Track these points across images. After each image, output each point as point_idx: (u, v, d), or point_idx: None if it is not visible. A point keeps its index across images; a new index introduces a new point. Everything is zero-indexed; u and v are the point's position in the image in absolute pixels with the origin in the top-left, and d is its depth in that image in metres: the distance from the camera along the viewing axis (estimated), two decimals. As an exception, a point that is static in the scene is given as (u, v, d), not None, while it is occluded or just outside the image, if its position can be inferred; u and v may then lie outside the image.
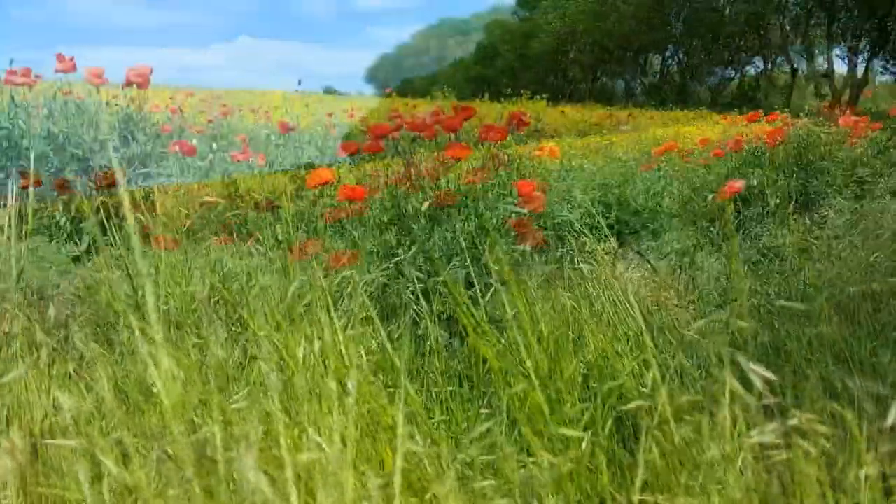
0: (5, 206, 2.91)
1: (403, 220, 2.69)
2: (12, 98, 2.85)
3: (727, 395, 0.53)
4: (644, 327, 1.33)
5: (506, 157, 3.24)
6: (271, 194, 3.43)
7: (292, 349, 0.69)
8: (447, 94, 12.89)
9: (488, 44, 48.25)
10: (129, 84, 3.10)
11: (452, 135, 2.63)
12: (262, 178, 3.37)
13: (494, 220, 2.62)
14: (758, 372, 0.50)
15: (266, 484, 0.47)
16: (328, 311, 0.78)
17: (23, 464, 0.64)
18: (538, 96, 10.29)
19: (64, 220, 2.71)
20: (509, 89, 12.12)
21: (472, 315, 0.59)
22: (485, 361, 1.55)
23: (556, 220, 3.47)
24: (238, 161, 3.38)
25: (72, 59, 3.02)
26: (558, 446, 0.56)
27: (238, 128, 7.10)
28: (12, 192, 1.16)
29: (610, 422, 0.60)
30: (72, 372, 0.91)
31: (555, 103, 16.76)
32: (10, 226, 1.13)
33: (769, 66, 41.55)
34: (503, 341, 0.66)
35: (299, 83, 8.56)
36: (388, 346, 0.75)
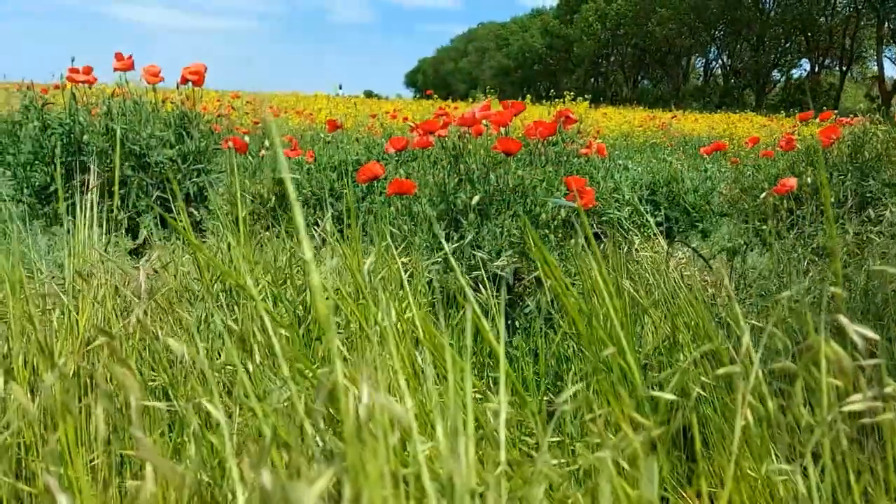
0: (70, 199, 3.00)
1: (452, 215, 2.70)
2: (73, 96, 2.93)
3: (823, 359, 0.52)
4: (707, 314, 1.31)
5: (552, 152, 3.23)
6: (320, 190, 3.47)
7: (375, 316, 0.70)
8: (490, 95, 12.88)
9: (529, 47, 48.22)
10: (184, 82, 3.16)
11: (503, 129, 2.62)
12: (311, 174, 3.41)
13: (544, 216, 2.61)
14: (861, 333, 0.49)
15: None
16: (402, 284, 0.79)
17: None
18: (580, 98, 10.22)
19: (122, 214, 2.78)
20: (552, 91, 12.06)
21: (563, 281, 0.59)
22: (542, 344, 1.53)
23: (603, 219, 3.45)
24: (288, 158, 3.43)
25: (130, 58, 3.10)
26: (646, 411, 0.55)
27: (284, 129, 7.21)
28: (89, 184, 1.19)
29: (696, 389, 0.59)
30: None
31: (596, 106, 16.66)
32: (84, 218, 1.16)
33: (816, 68, 40.53)
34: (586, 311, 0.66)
35: (340, 87, 8.58)
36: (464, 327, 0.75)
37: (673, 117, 13.73)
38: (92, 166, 2.31)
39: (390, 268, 1.33)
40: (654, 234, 2.96)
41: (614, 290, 0.81)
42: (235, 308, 1.11)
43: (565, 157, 3.29)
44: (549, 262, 0.57)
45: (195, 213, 3.26)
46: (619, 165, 4.48)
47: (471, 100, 13.77)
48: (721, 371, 0.54)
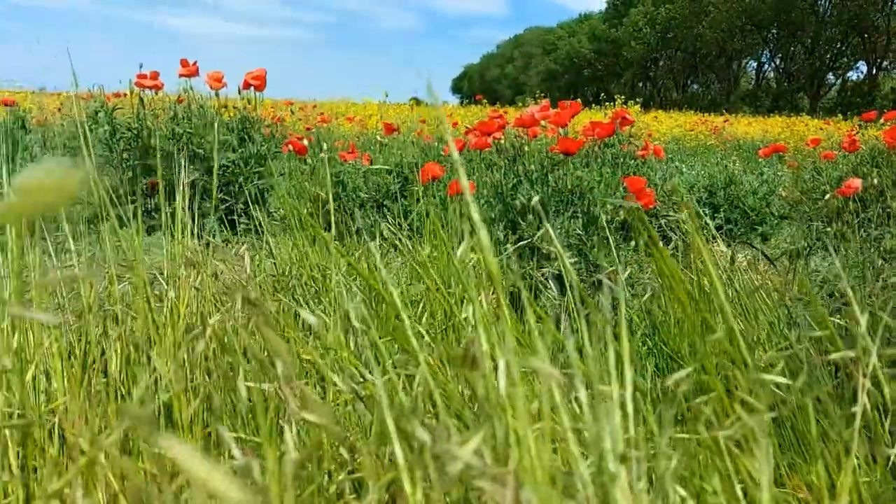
0: (133, 201, 3.09)
1: (510, 216, 2.71)
2: (141, 101, 3.03)
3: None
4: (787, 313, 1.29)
5: (609, 153, 3.21)
6: (377, 192, 3.51)
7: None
8: (539, 100, 12.85)
9: (576, 52, 47.92)
10: (246, 87, 3.24)
11: (562, 130, 2.62)
12: (368, 177, 3.45)
13: (603, 217, 2.60)
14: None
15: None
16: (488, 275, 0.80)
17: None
18: (631, 102, 10.12)
19: (186, 216, 2.85)
20: (602, 95, 11.97)
21: (675, 269, 0.59)
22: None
23: (661, 221, 3.41)
24: (345, 161, 3.48)
25: (195, 64, 3.19)
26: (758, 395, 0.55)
27: (336, 134, 7.30)
28: (155, 187, 1.24)
29: (803, 373, 0.59)
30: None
31: (646, 110, 16.46)
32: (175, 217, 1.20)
33: (874, 70, 39.32)
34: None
35: (386, 95, 8.66)
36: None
37: (725, 121, 13.48)
38: (183, 171, 2.38)
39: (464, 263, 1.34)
40: (714, 237, 2.92)
41: (696, 287, 0.81)
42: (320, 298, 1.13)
43: (621, 159, 3.27)
44: (663, 254, 0.57)
45: (256, 214, 3.33)
46: (675, 168, 4.43)
47: (521, 104, 13.77)
48: (836, 355, 0.54)
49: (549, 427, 0.34)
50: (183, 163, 1.66)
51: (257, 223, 3.30)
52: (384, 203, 3.61)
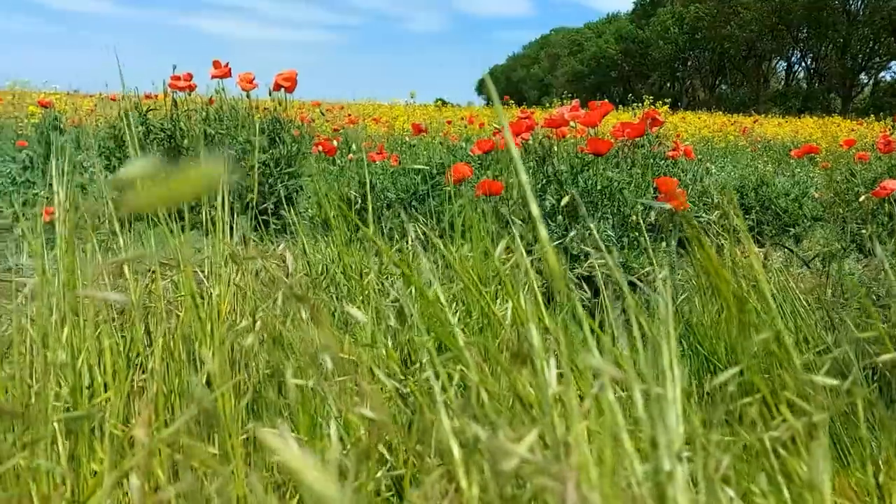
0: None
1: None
2: (174, 102, 3.07)
3: None
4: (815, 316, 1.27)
5: (639, 154, 3.19)
6: (405, 193, 3.52)
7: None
8: (565, 101, 12.79)
9: (603, 52, 47.60)
10: (277, 88, 3.27)
11: (592, 130, 2.61)
12: (395, 177, 3.46)
13: (634, 217, 2.58)
14: None
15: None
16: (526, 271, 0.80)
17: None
18: (659, 102, 10.03)
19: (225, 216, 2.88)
20: (630, 95, 11.89)
21: (719, 267, 0.59)
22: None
23: (691, 222, 3.37)
24: (373, 162, 3.49)
25: (227, 66, 3.22)
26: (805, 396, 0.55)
27: (363, 136, 7.34)
28: (224, 189, 1.25)
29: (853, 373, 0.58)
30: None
31: (674, 111, 16.30)
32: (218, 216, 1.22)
33: (909, 69, 38.38)
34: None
35: (412, 96, 8.69)
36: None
37: (755, 121, 13.32)
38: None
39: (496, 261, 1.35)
40: (746, 239, 2.89)
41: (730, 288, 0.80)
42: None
43: (651, 160, 3.25)
44: (709, 253, 0.57)
45: (287, 215, 3.36)
46: (706, 169, 4.39)
47: (548, 105, 13.72)
48: (885, 357, 0.53)
49: (609, 423, 0.34)
50: (255, 159, 1.65)
51: (287, 223, 3.33)
52: (412, 203, 3.62)
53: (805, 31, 41.33)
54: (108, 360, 0.65)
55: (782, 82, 45.98)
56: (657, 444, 0.33)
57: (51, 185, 2.91)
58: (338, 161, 3.52)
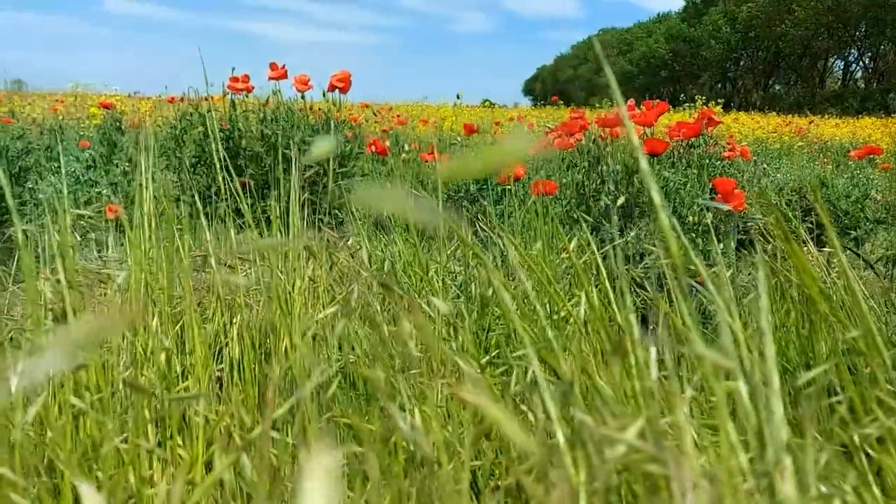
0: (223, 201, 3.21)
1: (592, 217, 2.68)
2: (233, 104, 3.13)
3: None
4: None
5: (695, 154, 3.15)
6: (456, 192, 3.53)
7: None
8: (616, 102, 12.61)
9: (652, 52, 46.99)
10: (331, 89, 3.31)
11: (648, 130, 2.58)
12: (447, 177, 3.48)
13: (691, 218, 2.55)
14: None
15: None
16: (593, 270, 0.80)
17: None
18: (712, 103, 9.86)
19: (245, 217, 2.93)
20: (683, 96, 11.71)
21: (808, 268, 0.58)
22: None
23: (747, 224, 3.32)
24: (425, 161, 3.51)
25: (283, 67, 3.28)
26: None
27: (411, 136, 7.38)
28: (296, 179, 1.28)
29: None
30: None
31: (726, 111, 15.99)
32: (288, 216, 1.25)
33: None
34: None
35: (458, 97, 8.69)
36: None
37: (810, 122, 12.99)
38: (293, 169, 2.46)
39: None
40: (805, 241, 2.83)
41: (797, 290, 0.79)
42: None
43: (706, 160, 3.20)
44: (797, 252, 0.56)
45: (338, 213, 3.41)
46: (762, 170, 4.30)
47: (598, 105, 13.59)
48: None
49: (720, 413, 0.34)
50: (293, 162, 1.72)
51: (340, 222, 3.37)
52: (463, 203, 3.63)
53: (863, 28, 40.12)
54: (199, 350, 0.68)
55: (839, 82, 44.73)
56: (763, 436, 0.33)
57: (113, 183, 2.98)
58: (389, 161, 3.55)
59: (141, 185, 0.86)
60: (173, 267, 0.71)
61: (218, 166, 1.36)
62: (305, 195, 3.20)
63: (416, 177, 3.53)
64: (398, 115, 8.62)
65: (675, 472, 0.30)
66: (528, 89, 74.16)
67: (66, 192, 0.93)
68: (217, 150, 1.24)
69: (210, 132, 3.15)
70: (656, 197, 0.39)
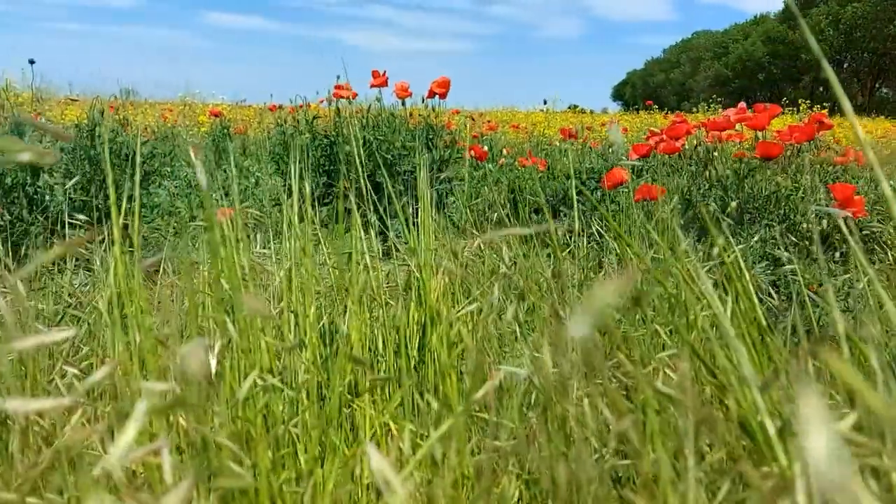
0: (328, 204, 3.31)
1: (699, 223, 2.61)
2: (338, 111, 3.23)
3: None
4: None
5: (807, 159, 3.03)
6: (553, 197, 3.52)
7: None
8: (713, 106, 12.28)
9: (749, 55, 45.33)
10: (431, 95, 3.36)
11: (759, 133, 2.50)
12: (543, 182, 3.47)
13: (805, 225, 2.45)
14: None
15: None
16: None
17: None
18: (817, 107, 9.41)
19: (374, 218, 3.00)
20: (784, 100, 11.27)
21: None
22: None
23: (864, 232, 3.17)
24: (523, 166, 3.51)
25: (384, 74, 3.35)
26: None
27: (502, 142, 7.39)
28: (425, 182, 1.32)
29: None
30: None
31: (829, 116, 15.23)
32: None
33: None
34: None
35: (545, 102, 8.64)
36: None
37: (925, 127, 12.23)
38: (422, 175, 2.51)
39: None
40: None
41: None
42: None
43: (818, 165, 3.08)
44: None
45: (435, 218, 3.45)
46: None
47: (695, 110, 13.24)
48: None
49: None
50: (422, 167, 1.76)
51: (438, 226, 3.40)
52: (560, 209, 3.61)
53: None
54: (354, 336, 0.71)
55: (954, 84, 41.90)
56: None
57: (222, 187, 3.08)
58: (487, 166, 3.57)
59: (291, 189, 0.90)
60: (337, 263, 0.75)
61: (357, 171, 1.40)
62: (405, 198, 3.26)
63: (513, 181, 3.53)
64: (488, 121, 8.65)
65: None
66: (618, 94, 72.82)
67: (235, 188, 0.98)
68: (359, 156, 1.28)
69: (349, 140, 3.26)
70: (887, 189, 0.39)
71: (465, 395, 0.71)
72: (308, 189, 1.33)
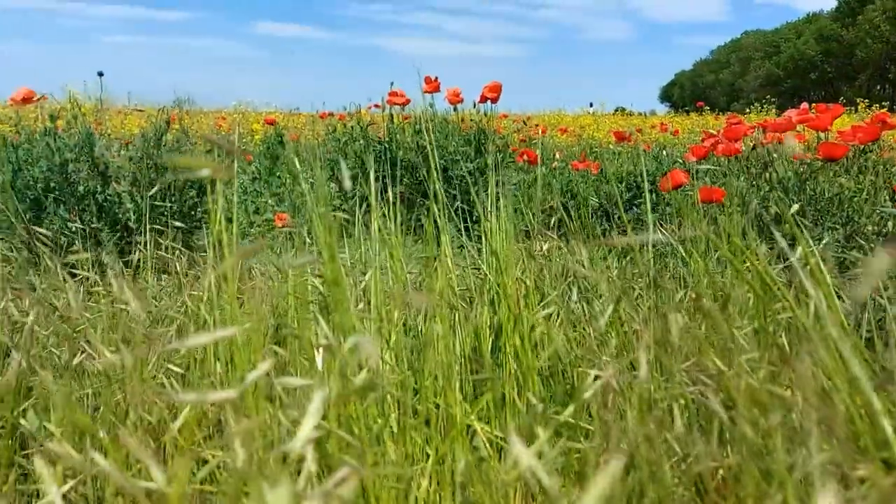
0: (383, 208, 3.35)
1: (759, 226, 2.57)
2: (391, 117, 3.26)
3: None
4: None
5: (871, 160, 2.95)
6: (607, 201, 3.50)
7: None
8: (766, 107, 12.03)
9: (801, 54, 44.26)
10: (483, 99, 3.38)
11: (822, 134, 2.45)
12: (596, 185, 3.45)
13: (870, 227, 2.39)
14: None
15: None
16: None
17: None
18: (876, 106, 9.13)
19: (427, 222, 3.03)
20: (842, 99, 10.99)
21: None
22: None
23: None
24: (576, 170, 3.50)
25: (436, 80, 3.38)
26: None
27: (551, 145, 7.36)
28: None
29: None
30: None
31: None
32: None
33: None
34: None
35: (591, 105, 8.57)
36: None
37: None
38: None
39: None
40: None
41: None
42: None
43: (881, 166, 3.00)
44: None
45: (488, 222, 3.47)
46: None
47: (748, 111, 12.99)
48: None
49: None
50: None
51: (484, 231, 3.41)
52: (612, 212, 3.59)
53: None
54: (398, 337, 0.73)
55: None
56: None
57: (276, 194, 3.17)
58: (535, 170, 3.57)
59: (349, 193, 0.92)
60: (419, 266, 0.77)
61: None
62: (458, 203, 3.28)
63: (565, 185, 3.52)
64: (536, 125, 8.63)
65: None
66: (666, 95, 71.74)
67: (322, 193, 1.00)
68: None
69: (402, 145, 3.30)
70: None
71: (550, 397, 0.73)
72: (372, 194, 1.36)
